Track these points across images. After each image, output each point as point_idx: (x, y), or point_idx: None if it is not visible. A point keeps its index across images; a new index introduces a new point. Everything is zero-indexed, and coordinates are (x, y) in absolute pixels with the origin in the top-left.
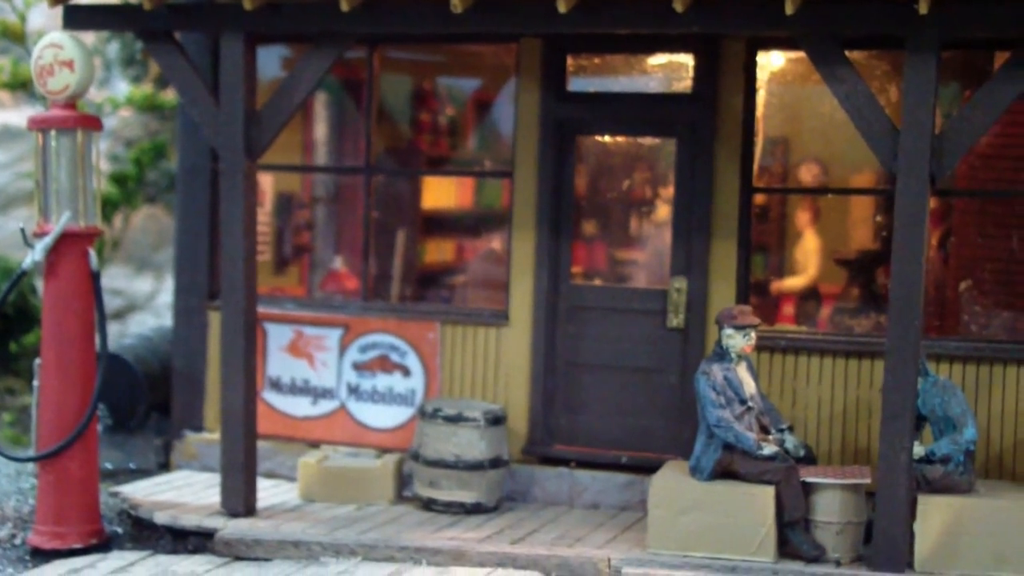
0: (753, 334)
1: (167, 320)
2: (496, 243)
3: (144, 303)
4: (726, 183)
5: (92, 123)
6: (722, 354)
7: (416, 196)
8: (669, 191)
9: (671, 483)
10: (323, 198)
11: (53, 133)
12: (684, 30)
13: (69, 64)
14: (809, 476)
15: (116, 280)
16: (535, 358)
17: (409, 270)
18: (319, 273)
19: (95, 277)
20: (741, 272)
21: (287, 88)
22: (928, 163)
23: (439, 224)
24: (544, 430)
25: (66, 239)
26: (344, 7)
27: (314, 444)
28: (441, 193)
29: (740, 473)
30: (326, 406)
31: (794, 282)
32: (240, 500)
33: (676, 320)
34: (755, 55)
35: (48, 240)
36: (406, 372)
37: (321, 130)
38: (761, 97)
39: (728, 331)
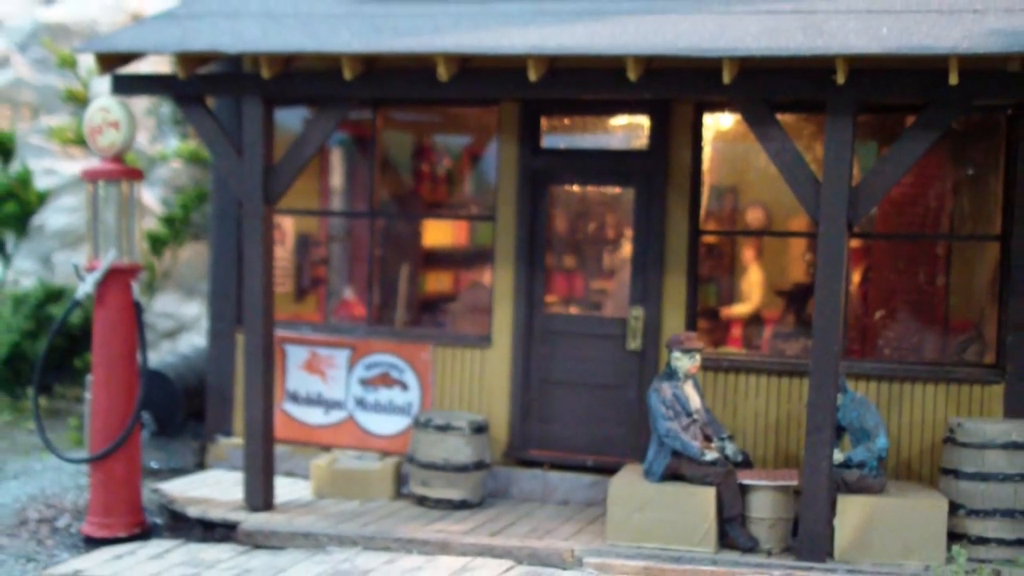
0: (698, 356)
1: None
2: (485, 276)
3: (191, 324)
4: (676, 226)
5: (135, 175)
6: (671, 373)
7: (417, 235)
8: (628, 232)
9: (627, 484)
10: (336, 237)
11: (101, 183)
12: (637, 95)
13: (115, 125)
14: (745, 479)
15: (167, 305)
16: (514, 375)
17: (411, 299)
18: (332, 302)
19: (137, 306)
20: (690, 302)
21: (299, 145)
22: (846, 211)
23: (438, 259)
24: (521, 437)
25: (112, 274)
26: (347, 75)
27: (326, 448)
28: (440, 233)
29: (686, 476)
30: (336, 416)
31: (741, 309)
32: (259, 497)
33: (634, 344)
34: (702, 116)
35: (97, 274)
36: (404, 387)
37: (336, 179)
38: (707, 152)
39: (676, 354)
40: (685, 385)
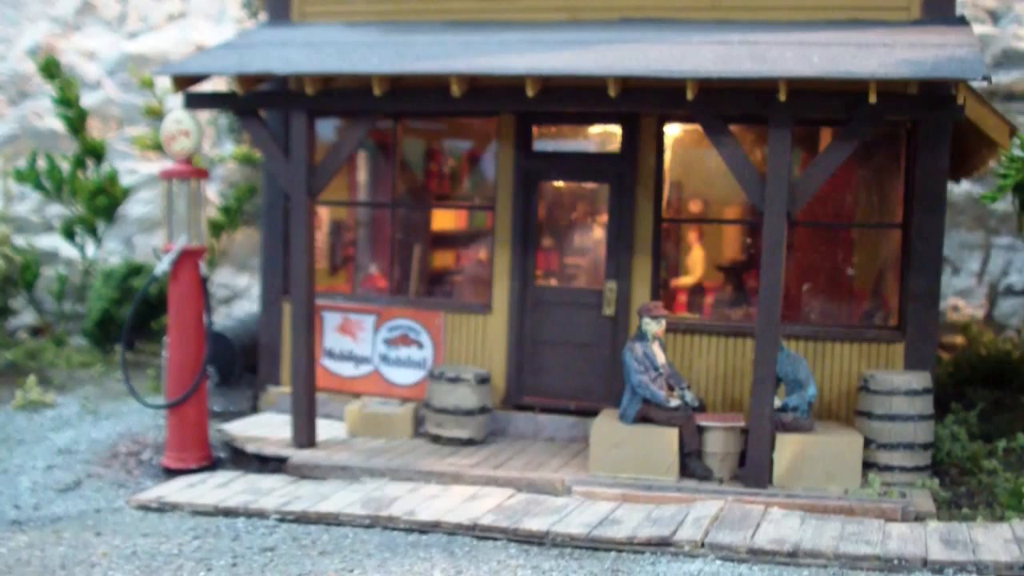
0: (664, 322)
1: (258, 306)
2: (481, 254)
3: (243, 293)
4: (643, 215)
5: (202, 174)
6: (642, 336)
7: (428, 222)
8: (604, 219)
9: (606, 426)
10: (362, 223)
11: (175, 181)
12: (615, 109)
13: (186, 133)
14: (702, 421)
15: (224, 278)
16: (510, 336)
17: (423, 273)
18: (360, 275)
19: (204, 280)
20: (654, 277)
21: (336, 149)
22: (786, 203)
23: (444, 240)
24: (516, 386)
25: (184, 255)
26: (376, 92)
27: (357, 396)
28: (445, 219)
29: (654, 419)
30: (365, 369)
31: (686, 280)
32: (305, 436)
33: (609, 311)
34: (663, 127)
35: (172, 255)
36: (420, 346)
37: (362, 176)
38: (667, 156)
39: (646, 319)
40: (653, 345)
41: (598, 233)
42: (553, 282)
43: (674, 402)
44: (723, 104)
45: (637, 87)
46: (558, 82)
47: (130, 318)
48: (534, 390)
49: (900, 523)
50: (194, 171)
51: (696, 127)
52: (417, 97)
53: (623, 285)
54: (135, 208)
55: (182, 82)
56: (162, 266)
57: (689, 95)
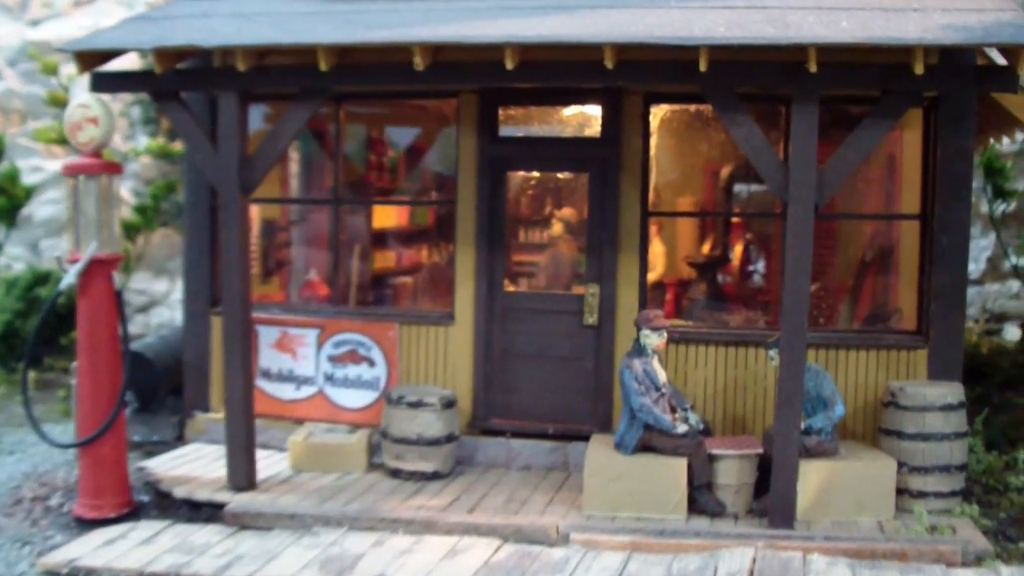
0: (665, 333)
1: (178, 313)
2: (434, 255)
3: (162, 299)
4: (629, 208)
5: (114, 168)
6: (640, 350)
7: (369, 219)
8: (583, 213)
9: (602, 457)
10: (298, 222)
11: (82, 178)
12: (610, 83)
13: (94, 120)
14: (714, 448)
15: (140, 283)
16: (476, 350)
17: (364, 277)
18: (295, 281)
19: (118, 295)
20: (642, 279)
21: (273, 137)
22: (813, 194)
23: (384, 239)
24: (484, 407)
25: (94, 265)
26: (323, 67)
27: (298, 421)
28: (386, 216)
29: (657, 447)
30: (307, 391)
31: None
32: (243, 477)
33: (591, 319)
34: (649, 107)
35: (79, 266)
36: (371, 363)
37: (293, 167)
38: (653, 140)
39: (645, 331)
40: (653, 361)
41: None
42: (525, 287)
43: (681, 428)
44: (739, 77)
45: (635, 59)
46: (541, 53)
47: (32, 338)
48: (505, 411)
49: (962, 568)
50: (104, 165)
51: (686, 107)
52: (371, 72)
53: (607, 289)
54: (41, 209)
55: (88, 60)
56: (68, 279)
57: (702, 66)
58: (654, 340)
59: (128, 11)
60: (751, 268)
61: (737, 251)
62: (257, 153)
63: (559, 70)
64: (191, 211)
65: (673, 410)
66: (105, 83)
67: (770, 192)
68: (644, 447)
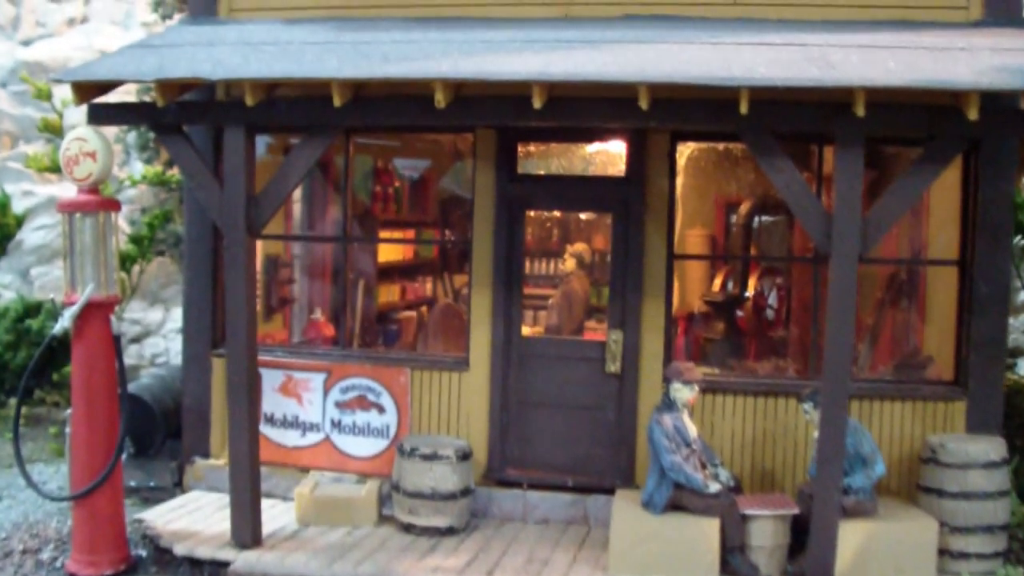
0: (697, 387)
1: (173, 344)
2: (428, 285)
3: (156, 329)
4: (654, 250)
5: (112, 205)
6: (670, 404)
7: (374, 253)
8: (605, 256)
9: (628, 516)
10: (302, 258)
11: (78, 215)
12: (643, 124)
13: (92, 155)
14: (747, 508)
15: (135, 313)
16: (492, 398)
17: (369, 313)
18: (298, 320)
19: (116, 339)
20: (667, 325)
21: (282, 173)
22: (857, 243)
23: (388, 273)
24: (500, 458)
25: (90, 307)
26: (336, 102)
27: (303, 469)
28: (390, 249)
29: (688, 507)
30: (313, 437)
31: None
32: (248, 532)
33: (613, 367)
34: (675, 145)
35: (75, 309)
36: (381, 410)
37: (296, 198)
38: (679, 180)
39: (676, 385)
40: (683, 415)
41: (589, 265)
42: (544, 332)
43: (714, 487)
44: (779, 119)
45: (668, 97)
46: (568, 90)
47: (23, 383)
48: (521, 462)
49: None
50: (102, 202)
51: (712, 146)
52: (388, 108)
53: (631, 335)
54: (32, 236)
55: (86, 91)
56: (63, 323)
57: (742, 108)
58: (686, 394)
59: (123, 31)
60: (769, 307)
61: (752, 288)
62: (265, 192)
63: (588, 109)
64: (192, 247)
65: (703, 466)
66: (104, 115)
67: (780, 225)
68: (674, 506)
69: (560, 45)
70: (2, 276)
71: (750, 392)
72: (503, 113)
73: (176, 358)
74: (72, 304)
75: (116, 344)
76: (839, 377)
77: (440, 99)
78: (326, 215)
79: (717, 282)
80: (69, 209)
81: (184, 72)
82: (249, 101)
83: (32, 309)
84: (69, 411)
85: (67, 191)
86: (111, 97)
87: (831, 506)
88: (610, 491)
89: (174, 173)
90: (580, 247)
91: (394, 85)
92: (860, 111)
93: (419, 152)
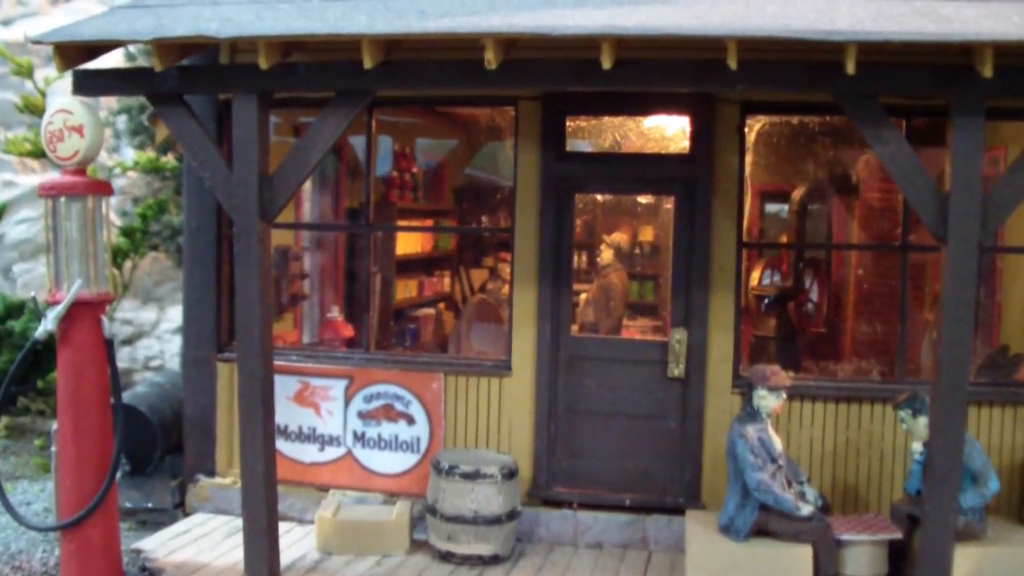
0: (784, 394)
1: (168, 345)
2: (447, 278)
3: (149, 330)
4: (723, 238)
5: (102, 188)
6: (754, 414)
7: (393, 246)
8: (666, 244)
9: (708, 544)
10: (310, 249)
11: (63, 200)
12: (728, 89)
13: (79, 129)
14: (842, 533)
15: (126, 312)
16: (538, 406)
17: (386, 311)
18: (309, 318)
19: (108, 343)
20: (737, 323)
21: (301, 151)
22: (977, 228)
23: (407, 266)
24: (547, 474)
25: (78, 307)
26: (367, 64)
27: (322, 488)
28: (409, 241)
29: (776, 532)
30: (333, 452)
31: None
32: (264, 566)
33: (676, 370)
34: (745, 118)
35: (60, 309)
36: (411, 420)
37: (306, 186)
38: (748, 158)
39: (761, 392)
40: (768, 426)
41: (660, 263)
42: (596, 331)
43: (806, 509)
44: (887, 83)
45: (761, 58)
46: (642, 49)
47: (2, 398)
48: (571, 479)
49: None
50: (92, 184)
51: (787, 118)
52: (426, 72)
53: (696, 334)
54: (14, 230)
55: (70, 55)
56: (46, 325)
57: (849, 67)
58: (771, 402)
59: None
60: (810, 300)
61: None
62: (280, 171)
63: (665, 71)
64: (193, 239)
65: (789, 483)
66: (91, 83)
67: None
68: (759, 531)
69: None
70: None
71: (830, 397)
72: (564, 76)
73: (172, 361)
74: (57, 303)
75: (108, 349)
76: (956, 382)
77: (491, 58)
78: (339, 202)
79: (755, 275)
80: (52, 193)
81: (187, 31)
82: (263, 64)
83: (14, 309)
84: (55, 426)
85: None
86: (97, 64)
87: (946, 531)
88: (671, 511)
89: (169, 159)
90: (618, 236)
91: (430, 47)
92: (987, 71)
93: (442, 131)
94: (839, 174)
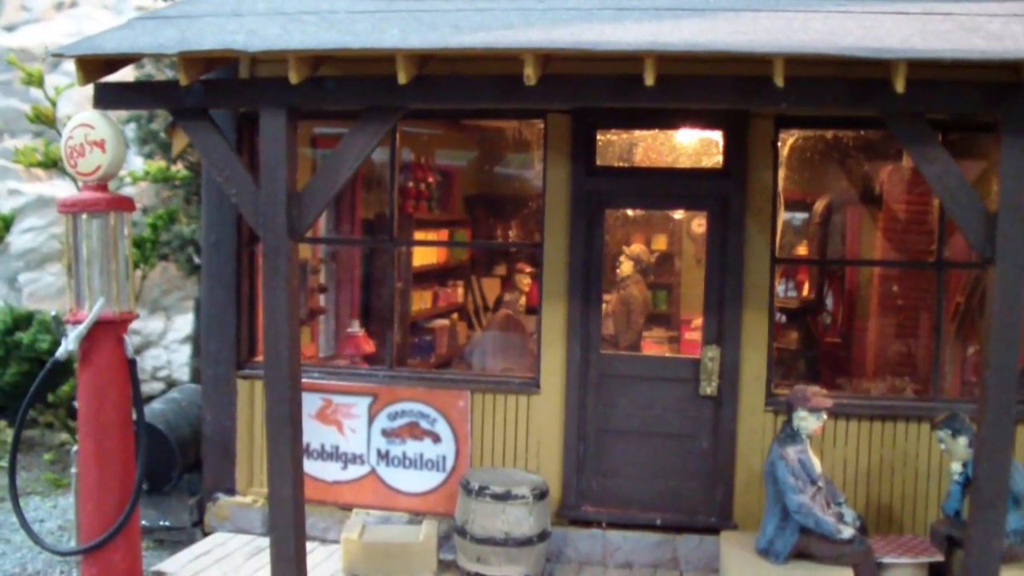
0: (825, 416)
1: (175, 354)
2: (460, 288)
3: (157, 340)
4: (757, 255)
5: (124, 204)
6: (793, 435)
7: (410, 258)
8: (698, 260)
9: (747, 567)
10: (326, 262)
11: (84, 216)
12: (772, 106)
13: (100, 144)
14: (884, 556)
15: (134, 322)
16: (567, 425)
17: (404, 323)
18: (325, 332)
19: (131, 364)
20: (769, 341)
21: (330, 166)
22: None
23: (421, 277)
24: (576, 493)
25: (100, 327)
26: (402, 79)
27: (345, 507)
28: (425, 252)
29: (816, 555)
30: (356, 471)
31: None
32: None
33: (709, 388)
34: (778, 133)
35: (81, 329)
36: (436, 439)
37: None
38: (781, 173)
39: (802, 413)
40: (808, 448)
41: (690, 279)
42: (626, 349)
43: (847, 531)
44: (934, 101)
45: (806, 75)
46: (683, 65)
47: (20, 418)
48: (600, 498)
49: None
50: (113, 200)
51: (821, 132)
52: (462, 87)
53: (729, 352)
54: (20, 240)
55: (91, 69)
56: (67, 345)
57: (898, 86)
58: (811, 424)
59: (115, 16)
60: (826, 311)
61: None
62: (309, 189)
63: (708, 87)
64: (211, 255)
65: (827, 504)
66: (114, 97)
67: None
68: (799, 554)
69: (663, 13)
70: None
71: (864, 415)
72: (605, 92)
73: (179, 371)
74: (78, 323)
75: (131, 369)
76: (1003, 404)
77: (530, 74)
78: (355, 213)
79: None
80: (73, 209)
81: (214, 44)
82: (293, 78)
83: (22, 320)
84: (75, 448)
85: (58, 189)
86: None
87: (991, 556)
88: (703, 530)
89: (179, 169)
90: (637, 248)
91: (462, 61)
92: None
93: (461, 142)
94: (862, 187)
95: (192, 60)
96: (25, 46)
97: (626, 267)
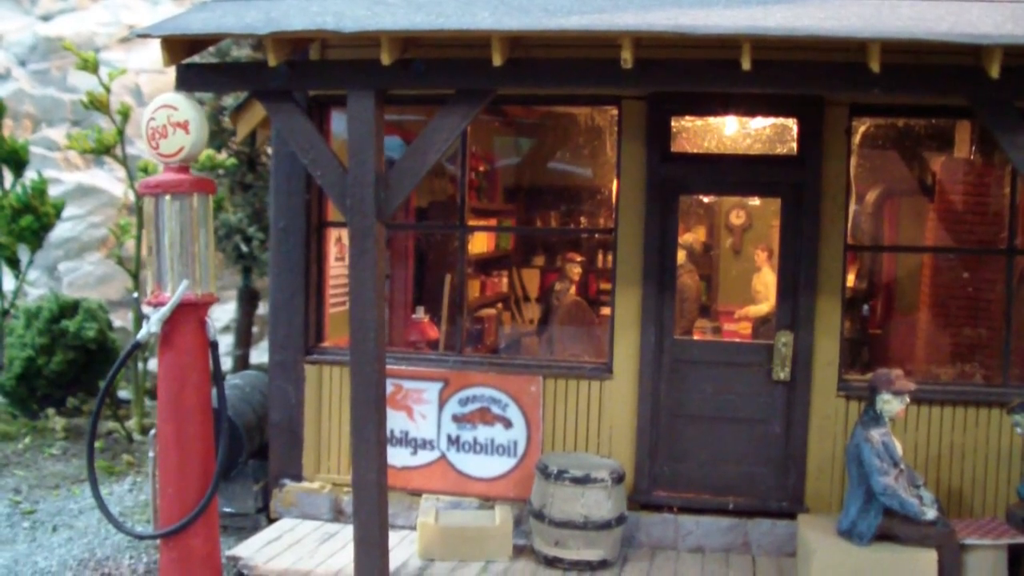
0: (908, 399)
1: (220, 338)
2: (505, 279)
3: None
4: (830, 241)
5: (207, 186)
6: (877, 418)
7: (465, 245)
8: (772, 247)
9: (832, 549)
10: (397, 249)
11: (167, 198)
12: (865, 93)
13: (184, 125)
14: (967, 538)
15: None
16: (640, 410)
17: (469, 310)
18: (399, 322)
19: (213, 346)
20: (842, 327)
21: (418, 149)
22: None
23: (475, 265)
24: (649, 478)
25: (182, 309)
26: (496, 61)
27: (415, 493)
28: (478, 240)
29: (900, 537)
30: (426, 456)
31: (757, 310)
32: (376, 574)
33: (782, 373)
34: (852, 121)
35: (164, 311)
36: (508, 424)
37: None
38: (853, 160)
39: (886, 396)
40: (890, 431)
41: (764, 266)
42: (700, 334)
43: (930, 513)
44: None
45: (899, 62)
46: (776, 50)
47: (97, 408)
48: (672, 482)
49: None
50: (196, 182)
51: (893, 121)
52: (558, 70)
53: (803, 337)
54: (60, 228)
55: (176, 50)
56: (150, 327)
57: (993, 72)
58: (895, 406)
59: (151, 6)
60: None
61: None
62: (396, 171)
63: (803, 73)
64: (280, 240)
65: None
66: (196, 79)
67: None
68: (882, 536)
69: (751, 0)
70: (30, 272)
71: (936, 400)
72: (700, 76)
73: (222, 359)
74: (160, 305)
75: (213, 352)
76: None
77: (627, 57)
78: (409, 200)
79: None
80: (156, 191)
81: (303, 24)
82: (385, 60)
83: (68, 309)
84: (153, 432)
85: (97, 179)
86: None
87: None
88: (775, 515)
89: (221, 157)
90: (689, 237)
91: (551, 45)
92: None
93: (520, 129)
94: (919, 177)
95: (280, 41)
96: (62, 35)
97: (679, 256)
